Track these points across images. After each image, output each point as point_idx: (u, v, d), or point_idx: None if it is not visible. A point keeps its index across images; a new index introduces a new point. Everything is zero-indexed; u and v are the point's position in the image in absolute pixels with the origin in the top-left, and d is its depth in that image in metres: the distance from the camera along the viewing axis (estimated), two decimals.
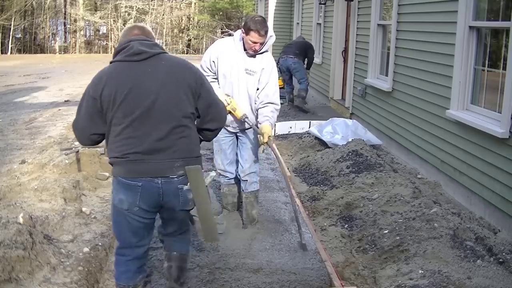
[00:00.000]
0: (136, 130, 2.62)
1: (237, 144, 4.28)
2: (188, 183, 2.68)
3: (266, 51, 4.07)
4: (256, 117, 4.06)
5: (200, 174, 2.70)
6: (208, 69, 4.12)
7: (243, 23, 3.99)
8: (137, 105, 2.60)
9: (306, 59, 10.16)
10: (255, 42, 3.88)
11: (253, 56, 4.01)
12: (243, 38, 3.95)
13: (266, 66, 4.01)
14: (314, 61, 11.86)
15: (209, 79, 4.10)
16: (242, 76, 4.02)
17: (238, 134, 4.23)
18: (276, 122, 8.40)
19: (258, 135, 3.96)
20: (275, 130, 8.27)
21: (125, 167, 2.66)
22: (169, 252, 3.06)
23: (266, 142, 3.89)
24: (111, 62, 2.72)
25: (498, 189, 4.46)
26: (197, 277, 3.50)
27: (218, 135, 4.22)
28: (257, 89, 4.03)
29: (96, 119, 2.66)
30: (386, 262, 3.71)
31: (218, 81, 4.12)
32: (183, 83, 2.68)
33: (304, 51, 9.99)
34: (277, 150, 4.01)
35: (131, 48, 2.65)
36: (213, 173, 2.83)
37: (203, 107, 2.77)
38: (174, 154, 2.66)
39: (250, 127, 4.12)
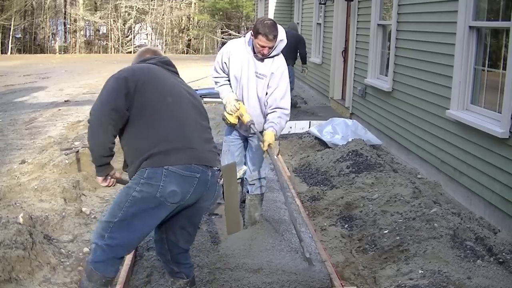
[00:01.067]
0: (187, 118, 2.69)
1: (246, 147, 4.24)
2: (222, 178, 2.75)
3: (277, 54, 3.94)
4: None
5: (235, 170, 2.83)
6: (221, 70, 4.05)
7: (253, 25, 3.89)
8: (184, 94, 2.75)
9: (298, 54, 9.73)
10: (263, 46, 3.78)
11: (263, 59, 3.91)
12: (252, 41, 3.86)
13: (276, 71, 3.90)
14: (314, 61, 11.89)
15: (221, 81, 4.10)
16: (252, 79, 3.93)
17: (248, 138, 4.16)
18: None
19: (259, 142, 3.88)
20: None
21: (183, 154, 2.58)
22: (178, 279, 3.00)
23: (266, 150, 3.79)
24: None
25: (498, 189, 4.46)
26: (197, 277, 3.49)
27: (228, 136, 4.23)
28: (267, 93, 3.93)
29: (121, 95, 2.57)
30: (386, 262, 3.71)
31: (230, 83, 4.05)
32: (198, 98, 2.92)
33: (295, 49, 9.45)
34: (277, 161, 3.92)
35: (165, 58, 2.89)
36: (244, 167, 2.96)
37: None
38: (215, 146, 2.79)
39: (261, 131, 4.02)
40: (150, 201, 2.57)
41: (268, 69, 3.90)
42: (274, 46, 3.83)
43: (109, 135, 2.58)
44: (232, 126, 4.10)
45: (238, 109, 3.92)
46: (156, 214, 2.61)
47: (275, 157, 4.48)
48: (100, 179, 2.77)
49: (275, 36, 3.76)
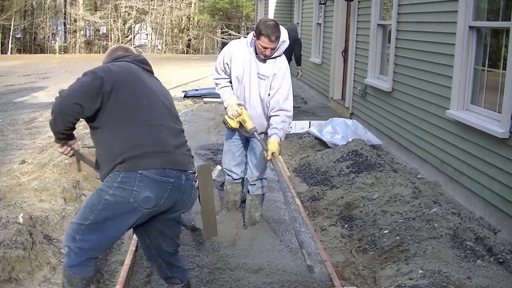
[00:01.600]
0: (160, 122, 2.63)
1: (248, 148, 4.21)
2: (197, 181, 2.69)
3: (279, 55, 3.91)
4: (268, 124, 3.93)
5: (211, 172, 2.77)
6: (223, 71, 4.01)
7: (255, 26, 3.87)
8: (159, 96, 2.70)
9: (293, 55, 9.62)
10: (265, 48, 3.74)
11: (265, 60, 3.88)
12: (254, 42, 3.84)
13: (278, 72, 3.87)
14: (314, 61, 11.90)
15: (222, 83, 4.04)
16: (254, 80, 3.90)
17: (249, 138, 4.13)
18: None
19: (264, 151, 3.81)
20: None
21: (158, 159, 2.53)
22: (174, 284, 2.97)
23: (270, 159, 3.75)
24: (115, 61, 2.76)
25: (498, 189, 4.46)
26: (197, 277, 3.49)
27: (228, 135, 4.20)
28: (269, 94, 3.90)
29: (93, 95, 2.51)
30: (386, 262, 3.71)
31: (232, 85, 4.02)
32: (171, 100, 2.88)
33: (291, 50, 9.24)
34: (281, 169, 3.86)
35: (140, 56, 2.83)
36: (219, 167, 2.91)
37: None
38: (188, 149, 2.74)
39: (262, 133, 4.01)
40: (123, 206, 2.52)
41: (270, 70, 3.87)
42: (277, 47, 3.81)
43: (67, 122, 2.58)
44: (232, 130, 4.07)
45: (240, 115, 3.87)
46: (129, 219, 2.57)
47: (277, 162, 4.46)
48: (57, 145, 2.79)
49: (278, 37, 3.74)
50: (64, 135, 2.70)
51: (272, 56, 3.87)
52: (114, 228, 2.58)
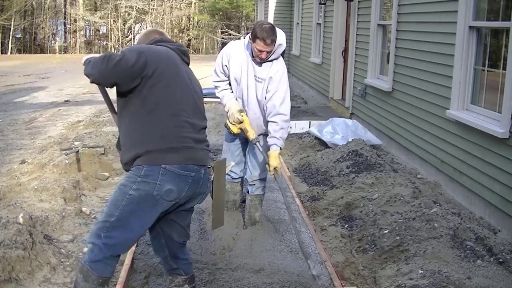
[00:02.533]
0: (187, 117, 2.67)
1: (247, 147, 4.20)
2: (213, 175, 2.78)
3: (276, 58, 3.86)
4: (266, 126, 3.90)
5: (225, 167, 2.88)
6: (222, 73, 3.98)
7: (252, 29, 3.83)
8: (191, 91, 2.73)
9: None
10: (261, 51, 3.70)
11: (261, 63, 3.85)
12: (251, 45, 3.81)
13: (275, 75, 3.83)
14: (314, 61, 11.92)
15: (222, 85, 4.01)
16: (251, 82, 3.88)
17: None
18: None
19: (266, 165, 3.82)
20: None
21: (180, 154, 2.60)
22: (178, 276, 2.97)
23: (273, 174, 3.75)
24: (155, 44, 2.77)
25: (498, 189, 4.46)
26: (197, 278, 3.49)
27: (228, 135, 4.21)
28: (265, 97, 3.86)
29: (134, 75, 2.51)
30: (386, 262, 3.71)
31: (231, 87, 4.00)
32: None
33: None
34: (283, 181, 3.85)
35: (183, 47, 2.85)
36: (232, 163, 2.96)
37: None
38: (207, 144, 2.81)
39: (261, 134, 4.01)
40: (147, 199, 2.57)
41: (266, 73, 3.84)
42: (273, 51, 3.77)
43: (104, 82, 2.59)
44: (234, 135, 4.06)
45: (242, 122, 3.84)
46: (152, 212, 2.62)
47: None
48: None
49: (273, 41, 3.69)
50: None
51: (269, 59, 3.83)
52: (138, 223, 2.61)
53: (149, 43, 2.77)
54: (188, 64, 2.88)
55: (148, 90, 2.56)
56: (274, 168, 3.72)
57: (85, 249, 3.78)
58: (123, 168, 2.73)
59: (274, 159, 3.73)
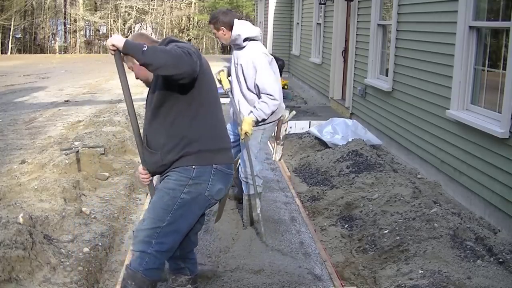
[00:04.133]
0: (222, 118, 2.76)
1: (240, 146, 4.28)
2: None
3: (243, 46, 4.05)
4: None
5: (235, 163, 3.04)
6: None
7: None
8: (217, 94, 2.76)
9: None
10: (214, 33, 4.15)
11: (239, 49, 4.09)
12: None
13: (246, 60, 4.01)
14: (314, 61, 11.93)
15: None
16: (233, 68, 4.20)
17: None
18: None
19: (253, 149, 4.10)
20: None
21: (226, 154, 2.71)
22: (183, 274, 2.97)
23: (243, 139, 3.98)
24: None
25: (498, 189, 4.46)
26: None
27: None
28: (246, 83, 4.07)
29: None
30: (386, 262, 3.71)
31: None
32: None
33: None
34: (249, 150, 3.99)
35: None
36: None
37: None
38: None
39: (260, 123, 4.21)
40: (198, 201, 2.61)
41: (241, 59, 4.07)
42: (218, 32, 4.06)
43: (174, 73, 2.32)
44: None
45: (220, 80, 4.23)
46: (199, 211, 2.68)
47: (277, 160, 4.53)
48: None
49: (210, 21, 4.12)
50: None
51: (241, 46, 4.06)
52: (186, 224, 2.65)
53: (160, 45, 2.53)
54: None
55: (195, 88, 2.52)
56: (245, 133, 3.94)
57: (85, 249, 3.78)
58: (158, 169, 2.64)
59: (246, 124, 3.94)
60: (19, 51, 29.93)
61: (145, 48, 2.28)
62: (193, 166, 2.56)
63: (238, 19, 4.09)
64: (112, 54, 2.41)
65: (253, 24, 4.78)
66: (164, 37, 2.94)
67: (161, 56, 2.28)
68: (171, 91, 2.50)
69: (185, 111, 2.54)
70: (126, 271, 2.67)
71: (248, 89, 4.07)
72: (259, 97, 4.02)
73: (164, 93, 2.52)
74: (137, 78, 2.70)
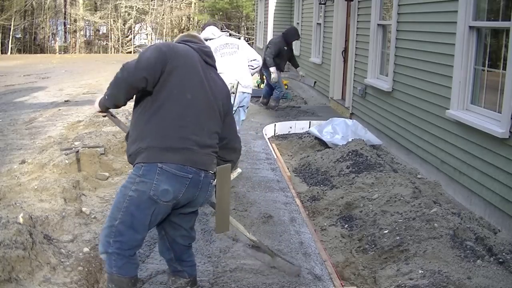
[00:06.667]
0: (195, 119, 2.63)
1: None
2: (215, 180, 2.75)
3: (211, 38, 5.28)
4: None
5: (229, 173, 2.84)
6: None
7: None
8: (207, 93, 2.69)
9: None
10: None
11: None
12: None
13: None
14: (314, 61, 11.92)
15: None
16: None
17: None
18: (276, 122, 8.42)
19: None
20: (275, 129, 8.27)
21: (179, 154, 2.56)
22: (180, 277, 2.97)
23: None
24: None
25: (498, 189, 4.46)
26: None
27: None
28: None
29: (157, 70, 2.54)
30: (386, 262, 3.71)
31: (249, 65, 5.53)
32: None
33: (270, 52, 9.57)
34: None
35: (207, 48, 2.82)
36: (239, 170, 3.07)
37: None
38: (215, 151, 2.75)
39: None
40: (145, 200, 2.57)
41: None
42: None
43: (130, 95, 2.61)
44: None
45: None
46: (151, 212, 2.60)
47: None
48: (97, 109, 2.84)
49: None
50: (116, 107, 2.74)
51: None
52: (139, 222, 2.61)
53: (177, 42, 2.81)
54: (212, 65, 2.82)
55: (160, 84, 2.55)
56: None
57: (85, 249, 3.78)
58: (128, 159, 2.73)
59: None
60: (19, 51, 29.91)
61: (106, 96, 2.70)
62: (142, 164, 2.56)
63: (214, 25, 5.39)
64: (103, 117, 2.89)
65: (220, 27, 5.62)
66: (179, 34, 2.99)
67: (110, 93, 2.67)
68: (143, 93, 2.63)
69: (148, 107, 2.60)
70: (107, 276, 2.72)
71: None
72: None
73: (140, 93, 2.64)
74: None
